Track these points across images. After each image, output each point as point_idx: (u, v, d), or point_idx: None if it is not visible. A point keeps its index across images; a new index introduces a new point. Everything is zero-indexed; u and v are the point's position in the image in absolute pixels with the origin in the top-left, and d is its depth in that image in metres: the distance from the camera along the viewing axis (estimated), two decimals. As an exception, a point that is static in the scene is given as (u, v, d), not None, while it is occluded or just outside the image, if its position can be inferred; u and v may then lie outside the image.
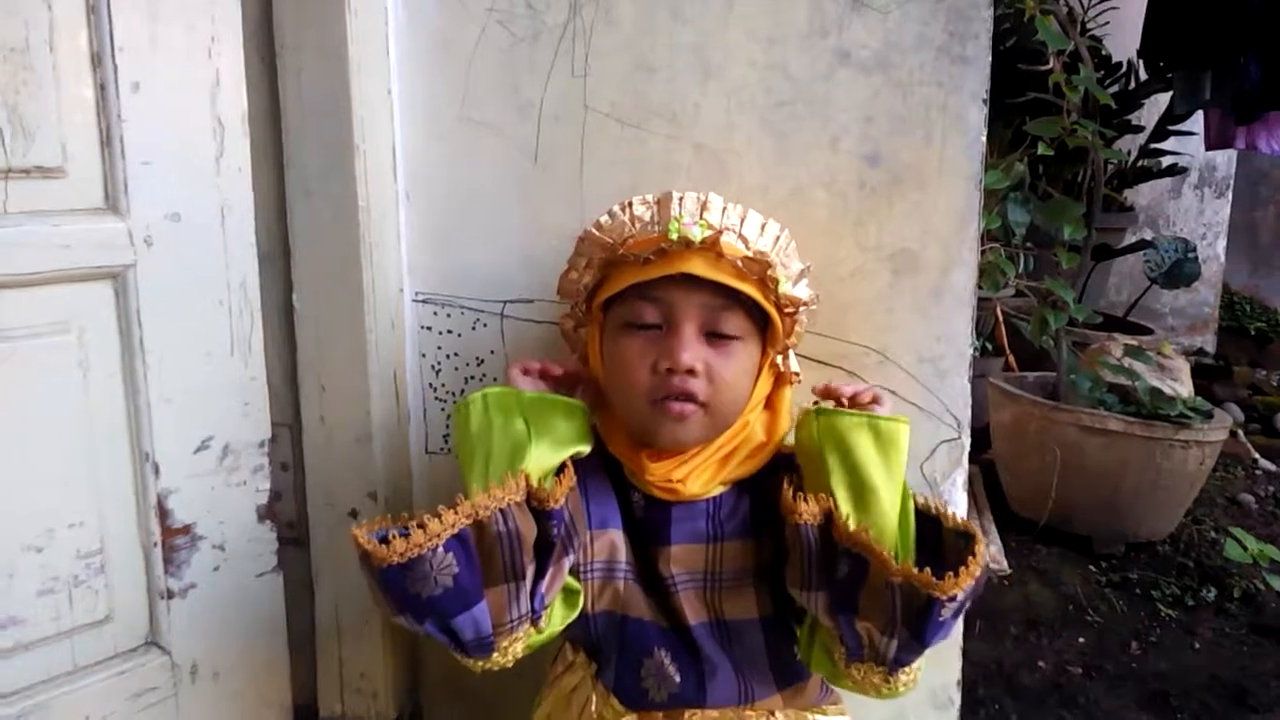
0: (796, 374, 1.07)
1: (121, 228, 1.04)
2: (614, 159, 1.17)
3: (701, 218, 0.96)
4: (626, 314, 0.98)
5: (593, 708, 1.02)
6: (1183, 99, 3.00)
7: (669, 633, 1.02)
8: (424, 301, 1.24)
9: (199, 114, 1.08)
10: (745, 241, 0.96)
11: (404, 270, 1.23)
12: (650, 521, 1.01)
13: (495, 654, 0.92)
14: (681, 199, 0.97)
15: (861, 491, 0.91)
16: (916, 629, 0.86)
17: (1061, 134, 1.89)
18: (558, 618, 0.97)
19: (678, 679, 1.01)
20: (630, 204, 0.99)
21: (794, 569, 0.94)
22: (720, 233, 0.94)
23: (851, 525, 0.90)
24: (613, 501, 1.03)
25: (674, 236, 0.93)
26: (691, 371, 0.94)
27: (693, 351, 0.94)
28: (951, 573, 0.84)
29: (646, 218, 0.98)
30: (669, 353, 0.94)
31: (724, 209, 0.98)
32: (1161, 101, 3.34)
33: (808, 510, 0.91)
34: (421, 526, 0.86)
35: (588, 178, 1.18)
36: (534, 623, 0.93)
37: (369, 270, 1.17)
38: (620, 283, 0.97)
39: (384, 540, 0.86)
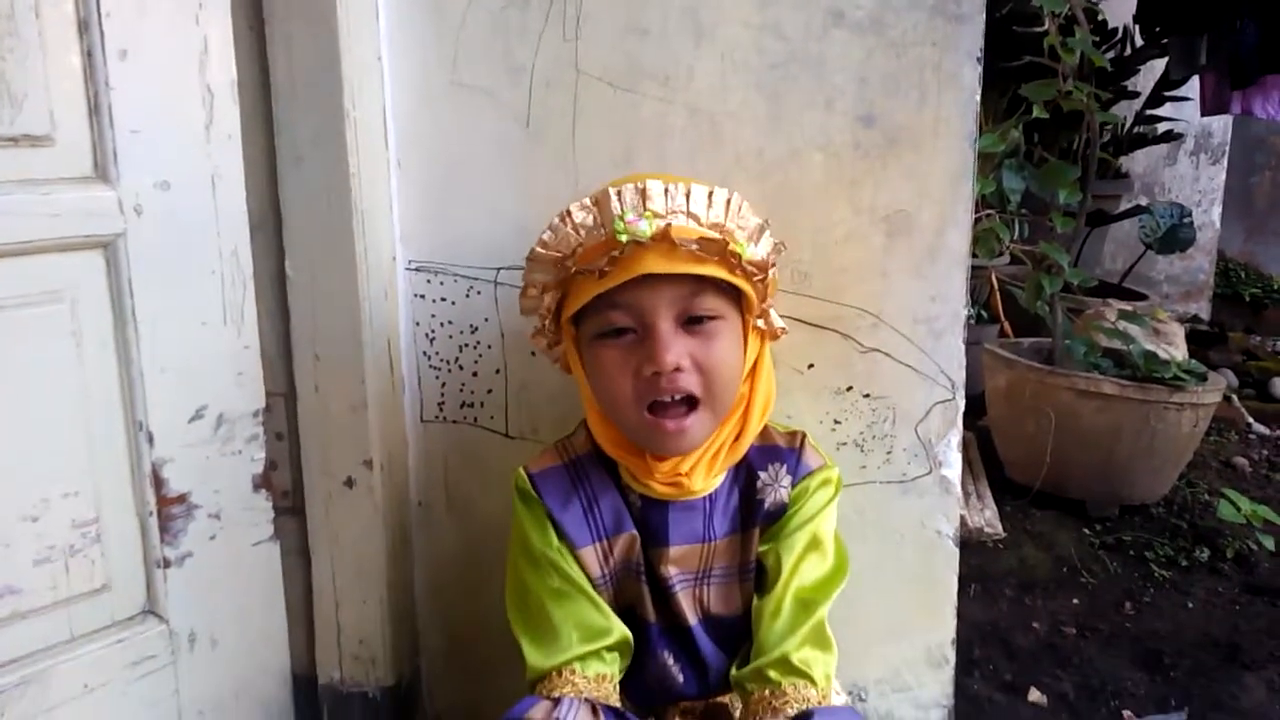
0: (782, 329, 1.05)
1: (111, 196, 1.03)
2: (606, 123, 1.16)
3: (645, 209, 0.90)
4: (597, 325, 0.94)
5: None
6: (1178, 64, 2.99)
7: (670, 634, 1.03)
8: (417, 269, 1.24)
9: (188, 81, 1.07)
10: (696, 219, 0.92)
11: (396, 238, 1.22)
12: (648, 523, 1.01)
13: None
14: (620, 192, 0.91)
15: None
16: None
17: (1057, 97, 1.88)
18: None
19: (680, 678, 1.04)
20: (569, 213, 0.93)
21: None
22: (669, 224, 0.89)
23: None
24: (621, 503, 1.02)
25: (623, 239, 0.88)
26: (678, 369, 0.91)
27: (674, 350, 0.91)
28: None
29: (590, 223, 0.92)
30: (650, 357, 0.91)
31: (665, 191, 0.91)
32: (1157, 68, 3.32)
33: None
34: None
35: (580, 142, 1.17)
36: None
37: (361, 238, 1.16)
38: (583, 297, 0.93)
39: None
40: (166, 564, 1.13)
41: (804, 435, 1.06)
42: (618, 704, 0.96)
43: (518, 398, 1.26)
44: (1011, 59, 2.07)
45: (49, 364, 1.02)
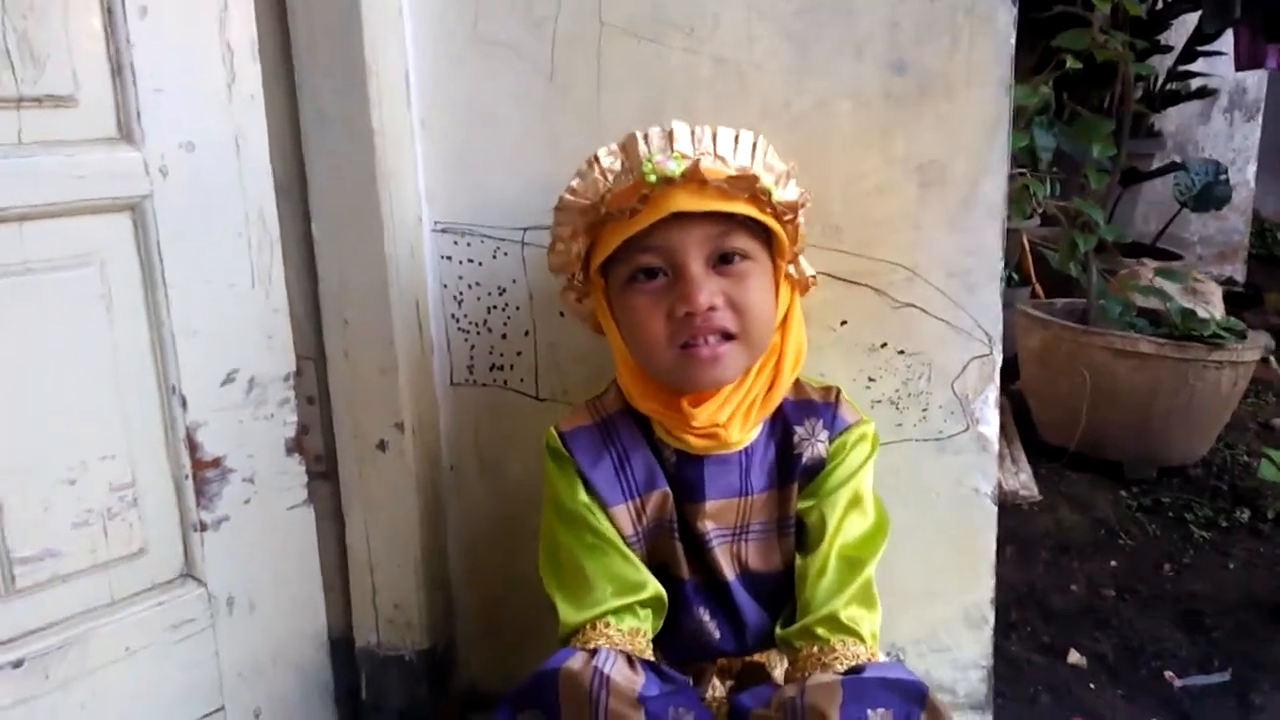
0: (813, 277, 1.05)
1: (136, 157, 1.03)
2: (632, 75, 1.14)
3: (673, 150, 0.91)
4: (628, 270, 0.94)
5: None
6: (1212, 17, 2.92)
7: (706, 590, 1.03)
8: (443, 231, 1.23)
9: (208, 39, 1.06)
10: (723, 161, 0.92)
11: (422, 199, 1.21)
12: (684, 478, 1.01)
13: None
14: (646, 136, 0.92)
15: None
16: None
17: (1090, 46, 1.83)
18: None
19: (717, 635, 1.03)
20: (597, 158, 0.94)
21: None
22: (698, 160, 0.89)
23: None
24: (653, 458, 1.02)
25: (652, 178, 0.88)
26: (712, 308, 0.91)
27: (707, 290, 0.91)
28: None
29: (617, 167, 0.93)
30: (683, 297, 0.91)
31: (692, 133, 0.93)
32: (1189, 23, 3.24)
33: None
34: None
35: (605, 96, 1.15)
36: None
37: (387, 199, 1.15)
38: (612, 242, 0.93)
39: None
40: (203, 528, 1.13)
41: (838, 390, 1.05)
42: (652, 658, 0.95)
43: (547, 359, 1.25)
44: (1042, 9, 2.01)
45: (80, 327, 1.02)
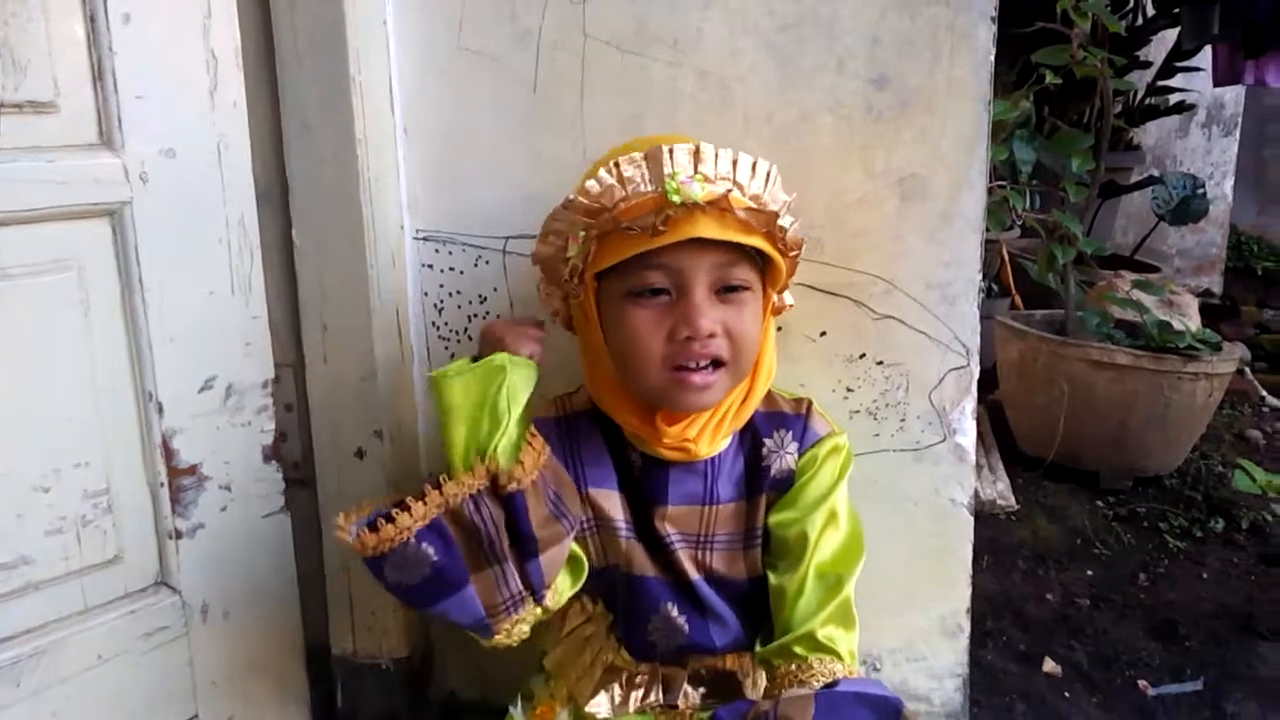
0: (790, 305, 1.07)
1: (116, 164, 1.02)
2: (615, 88, 1.15)
3: (697, 171, 0.89)
4: (630, 283, 0.93)
5: (606, 656, 1.04)
6: (1191, 33, 2.95)
7: (674, 587, 1.03)
8: (425, 239, 1.23)
9: (191, 47, 1.06)
10: (741, 189, 0.91)
11: (403, 207, 1.21)
12: (647, 481, 1.01)
13: (498, 635, 0.93)
14: (672, 152, 0.89)
15: None
16: None
17: (1070, 62, 1.85)
18: (564, 589, 0.98)
19: (686, 629, 1.03)
20: (618, 164, 0.91)
21: None
22: (728, 192, 0.88)
23: None
24: (608, 462, 1.02)
25: (676, 200, 0.87)
26: (711, 335, 0.92)
27: (710, 316, 0.91)
28: None
29: (637, 178, 0.90)
30: (686, 320, 0.91)
31: (716, 156, 0.91)
32: (1168, 39, 3.28)
33: None
34: (393, 520, 0.87)
35: (588, 108, 1.16)
36: (537, 601, 0.93)
37: (368, 207, 1.15)
38: (620, 253, 0.91)
39: (373, 526, 0.88)
40: (178, 535, 1.12)
41: (810, 402, 1.06)
42: None
43: (527, 368, 1.25)
44: (1022, 25, 2.03)
45: (57, 333, 1.01)
